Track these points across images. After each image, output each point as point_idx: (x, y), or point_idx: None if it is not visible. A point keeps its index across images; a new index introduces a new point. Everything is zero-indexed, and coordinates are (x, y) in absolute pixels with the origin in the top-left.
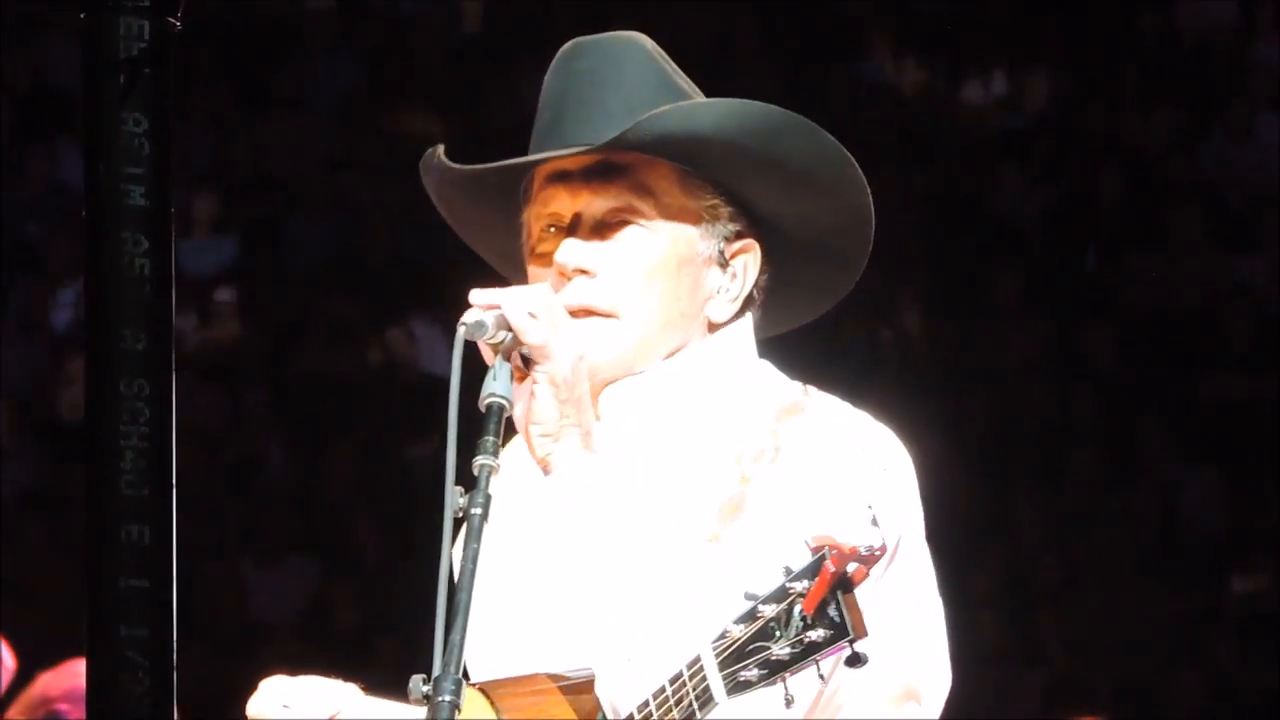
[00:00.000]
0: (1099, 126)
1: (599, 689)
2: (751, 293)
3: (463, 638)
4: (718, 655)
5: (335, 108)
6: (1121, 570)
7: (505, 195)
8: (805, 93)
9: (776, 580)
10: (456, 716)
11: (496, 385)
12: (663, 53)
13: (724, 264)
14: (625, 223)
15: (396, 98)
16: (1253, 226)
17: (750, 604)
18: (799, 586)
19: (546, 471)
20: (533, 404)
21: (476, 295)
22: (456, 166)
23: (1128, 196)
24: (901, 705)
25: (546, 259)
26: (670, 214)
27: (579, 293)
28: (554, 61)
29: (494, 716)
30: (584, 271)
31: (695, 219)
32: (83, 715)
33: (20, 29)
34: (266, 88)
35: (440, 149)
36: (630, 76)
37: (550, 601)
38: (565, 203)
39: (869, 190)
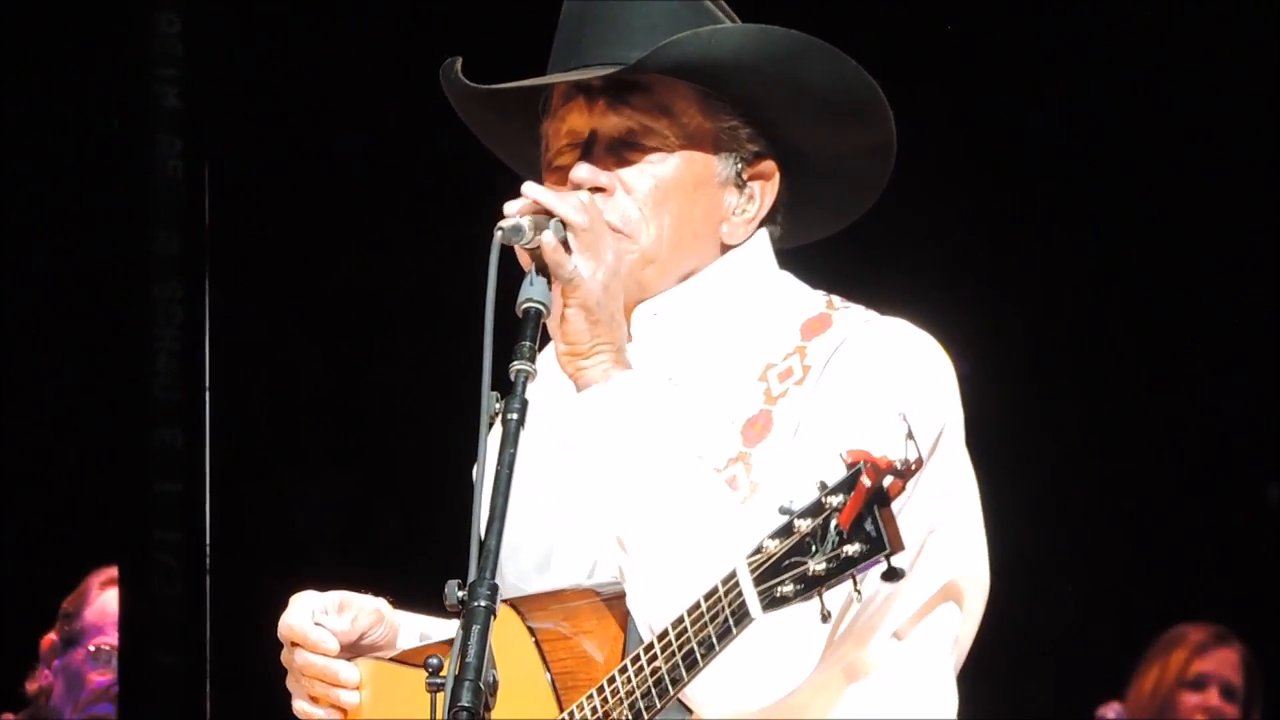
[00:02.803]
0: (1131, 40)
1: (631, 605)
2: (775, 214)
3: (498, 543)
4: (753, 571)
5: (377, 16)
6: (1159, 480)
7: (525, 106)
8: (840, 9)
9: (811, 495)
10: (492, 621)
11: (534, 290)
12: None
13: (741, 185)
14: (642, 143)
15: (439, 6)
16: None
17: (785, 519)
18: (835, 501)
19: (579, 386)
20: (564, 326)
21: (517, 201)
22: (472, 85)
23: (1157, 108)
24: (941, 605)
25: (563, 174)
26: (688, 135)
27: None
28: None
29: (523, 628)
30: (599, 189)
31: (714, 140)
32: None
33: None
34: None
35: (458, 63)
36: None
37: (582, 516)
38: (583, 119)
39: (892, 116)
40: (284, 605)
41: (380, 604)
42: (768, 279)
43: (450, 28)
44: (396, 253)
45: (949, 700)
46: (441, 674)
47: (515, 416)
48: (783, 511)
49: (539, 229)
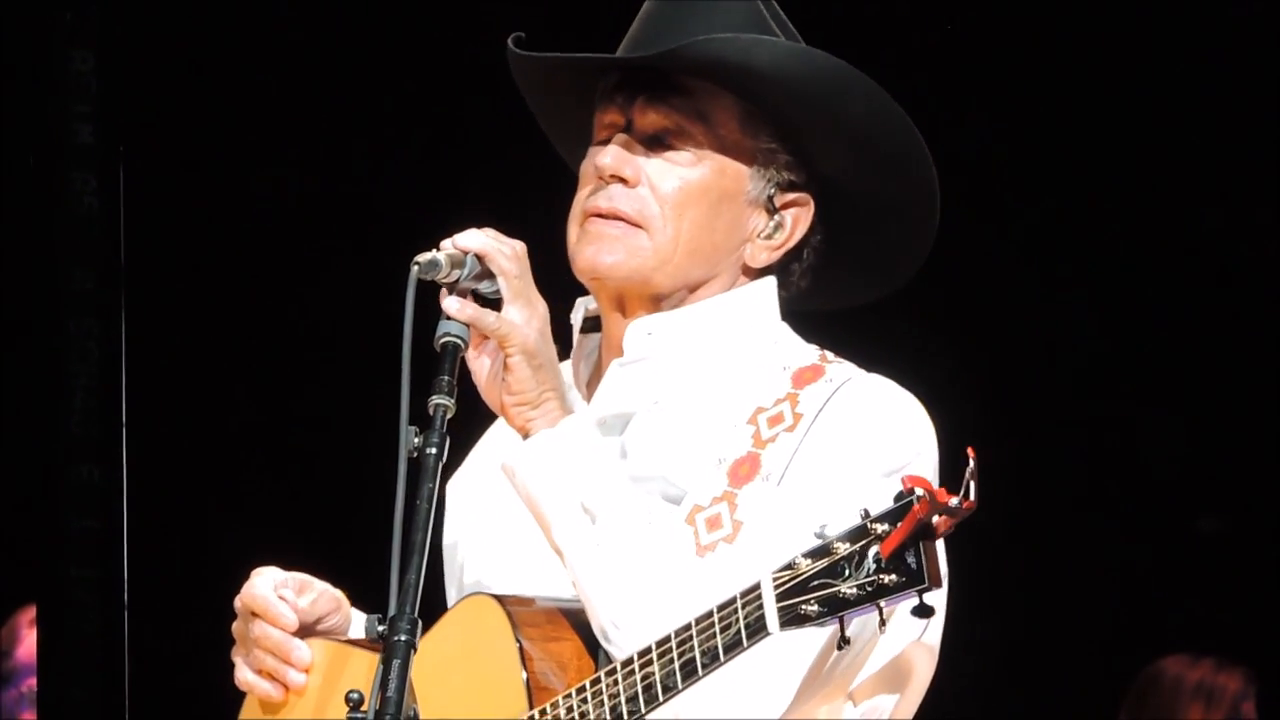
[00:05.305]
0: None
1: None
2: (803, 252)
3: (418, 578)
4: (778, 586)
5: (293, 51)
6: (1091, 514)
7: (579, 99)
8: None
9: (853, 519)
10: (412, 656)
11: (451, 325)
12: None
13: (771, 210)
14: (674, 143)
15: (366, 39)
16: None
17: (822, 540)
18: (880, 528)
19: (528, 436)
20: (509, 376)
21: (446, 241)
22: (519, 52)
23: (1082, 166)
24: (895, 671)
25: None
26: (723, 145)
27: (612, 197)
28: None
29: (507, 624)
30: (621, 179)
31: (749, 157)
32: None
33: None
34: (229, 25)
35: (514, 37)
36: (721, 7)
37: (541, 567)
38: (622, 113)
39: (933, 169)
40: (203, 646)
41: (339, 595)
42: (767, 323)
43: (370, 61)
44: (314, 286)
45: None
46: (362, 709)
47: (434, 451)
48: (818, 535)
49: (455, 264)
